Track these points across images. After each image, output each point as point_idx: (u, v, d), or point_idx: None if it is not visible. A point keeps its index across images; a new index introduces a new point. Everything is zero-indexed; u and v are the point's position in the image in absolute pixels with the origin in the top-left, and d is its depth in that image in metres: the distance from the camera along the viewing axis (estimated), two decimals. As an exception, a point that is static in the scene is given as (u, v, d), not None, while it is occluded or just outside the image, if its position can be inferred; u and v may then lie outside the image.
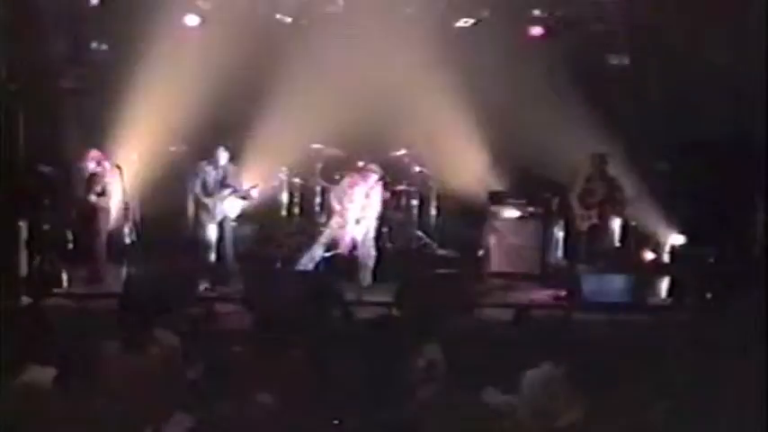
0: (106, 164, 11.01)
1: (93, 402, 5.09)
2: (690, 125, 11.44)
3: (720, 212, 10.97)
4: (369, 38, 12.00)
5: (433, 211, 12.43)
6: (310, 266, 10.79)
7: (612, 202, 10.90)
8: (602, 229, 10.91)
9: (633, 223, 11.51)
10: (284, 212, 12.24)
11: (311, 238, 11.94)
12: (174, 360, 5.77)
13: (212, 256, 10.86)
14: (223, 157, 10.89)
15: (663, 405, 4.97)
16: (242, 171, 11.23)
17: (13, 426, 4.71)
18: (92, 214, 10.74)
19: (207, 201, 10.83)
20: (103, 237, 10.84)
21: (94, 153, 11.00)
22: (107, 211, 10.89)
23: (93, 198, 10.70)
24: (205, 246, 10.82)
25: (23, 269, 10.30)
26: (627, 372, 5.17)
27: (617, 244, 11.18)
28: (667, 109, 11.71)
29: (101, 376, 5.37)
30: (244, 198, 10.92)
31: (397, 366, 5.26)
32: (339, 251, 10.91)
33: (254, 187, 10.98)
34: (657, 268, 11.22)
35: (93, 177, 10.83)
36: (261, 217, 11.97)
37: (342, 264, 11.02)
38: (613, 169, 11.08)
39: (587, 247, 10.91)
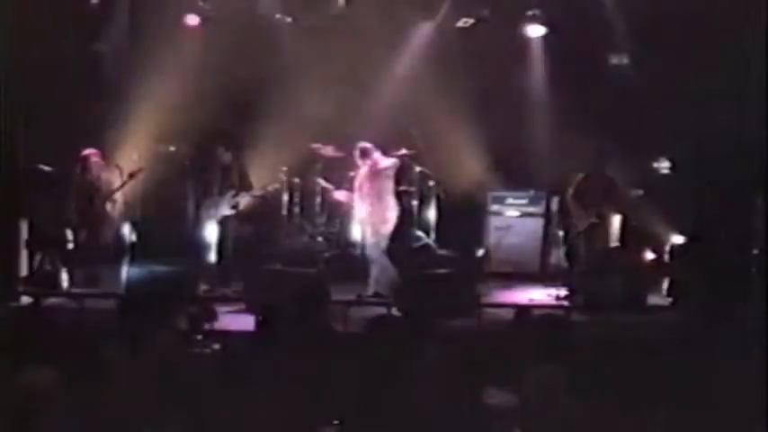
0: (99, 160, 11.01)
1: (94, 402, 5.09)
2: (690, 125, 11.43)
3: (720, 212, 10.95)
4: (369, 38, 12.00)
5: (433, 211, 12.42)
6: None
7: (610, 200, 10.89)
8: (601, 228, 10.88)
9: (633, 223, 11.50)
10: (284, 212, 12.24)
11: (312, 237, 11.98)
12: (174, 360, 5.77)
13: (212, 256, 10.86)
14: (225, 156, 10.89)
15: (663, 405, 4.97)
16: (244, 171, 11.22)
17: (13, 426, 4.71)
18: (93, 214, 10.74)
19: (207, 201, 10.84)
20: (104, 237, 10.84)
21: (95, 152, 11.00)
22: (108, 210, 10.89)
23: (94, 198, 10.71)
24: (205, 246, 10.82)
25: (23, 269, 10.30)
26: (627, 372, 5.17)
27: (616, 243, 11.15)
28: (667, 109, 11.70)
29: (101, 376, 5.37)
30: (246, 200, 10.93)
31: (396, 366, 5.26)
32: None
33: (254, 193, 10.99)
34: (657, 268, 11.21)
35: (94, 177, 10.83)
36: (261, 217, 11.96)
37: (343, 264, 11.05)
38: (610, 167, 11.06)
39: (586, 246, 10.89)
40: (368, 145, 10.72)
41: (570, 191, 10.93)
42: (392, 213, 10.67)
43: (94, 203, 10.79)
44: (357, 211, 10.84)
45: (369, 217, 10.61)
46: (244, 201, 10.87)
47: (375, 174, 10.60)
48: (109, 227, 10.96)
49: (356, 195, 10.76)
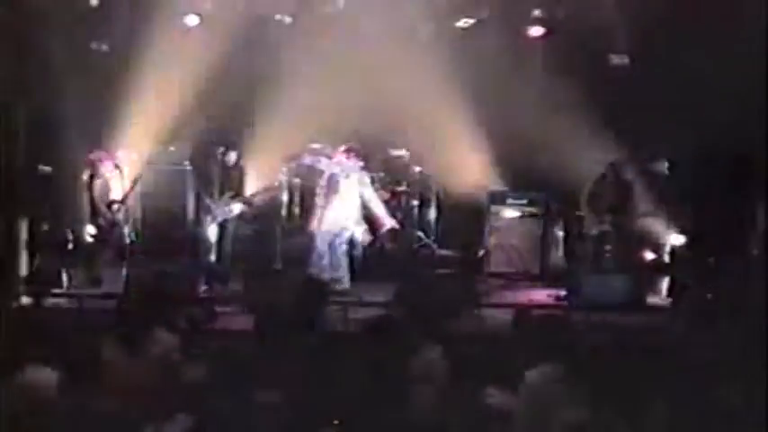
0: (108, 163, 11.01)
1: (94, 402, 5.09)
2: (690, 125, 11.43)
3: (720, 212, 10.96)
4: (369, 38, 12.00)
5: (433, 211, 12.42)
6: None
7: (624, 208, 10.82)
8: (612, 236, 10.83)
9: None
10: (284, 212, 12.23)
11: (311, 238, 11.97)
12: (174, 360, 5.76)
13: (212, 256, 10.86)
14: (224, 157, 10.90)
15: (663, 405, 4.96)
16: (244, 172, 11.23)
17: (13, 426, 4.71)
18: (104, 215, 10.74)
19: (208, 201, 10.85)
20: (114, 237, 10.84)
21: (98, 153, 11.00)
22: (114, 210, 10.89)
23: (97, 199, 10.72)
24: (205, 246, 10.82)
25: (23, 269, 10.30)
26: (627, 372, 5.16)
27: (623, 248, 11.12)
28: (667, 109, 11.70)
29: (101, 376, 5.37)
30: (246, 204, 10.94)
31: (396, 366, 5.25)
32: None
33: (255, 195, 11.04)
34: (657, 268, 11.21)
35: (97, 178, 10.83)
36: (261, 217, 11.95)
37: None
38: (629, 175, 10.99)
39: (592, 251, 10.86)
40: (356, 146, 10.73)
41: (585, 192, 10.87)
42: (352, 224, 10.65)
43: (105, 204, 10.78)
44: (320, 209, 10.79)
45: (329, 216, 10.60)
46: (238, 206, 10.89)
47: (347, 176, 10.62)
48: (116, 227, 10.95)
49: (322, 192, 10.75)
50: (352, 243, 11.05)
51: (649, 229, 11.31)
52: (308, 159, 11.18)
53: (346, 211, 10.67)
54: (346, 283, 10.56)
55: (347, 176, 10.69)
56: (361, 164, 10.84)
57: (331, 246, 10.61)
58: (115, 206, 10.68)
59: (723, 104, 10.84)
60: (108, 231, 10.72)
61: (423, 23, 12.65)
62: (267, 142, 11.97)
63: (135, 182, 10.83)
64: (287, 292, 7.86)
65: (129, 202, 11.31)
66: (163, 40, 11.85)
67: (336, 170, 10.74)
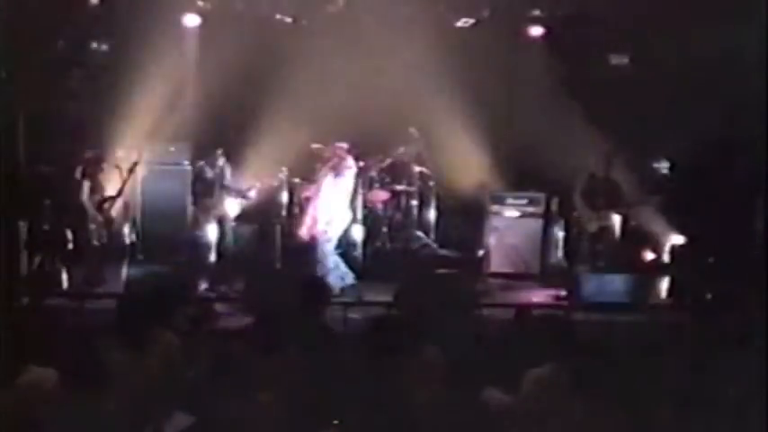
0: (104, 162, 11.01)
1: (94, 403, 5.09)
2: (690, 125, 11.44)
3: (720, 212, 10.96)
4: (369, 38, 12.01)
5: (433, 211, 12.43)
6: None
7: (617, 202, 10.85)
8: (609, 233, 10.86)
9: (633, 223, 11.50)
10: (284, 212, 12.23)
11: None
12: (174, 360, 5.76)
13: (212, 256, 10.87)
14: (221, 157, 10.92)
15: (662, 405, 4.97)
16: (241, 171, 11.25)
17: (13, 426, 4.71)
18: (99, 214, 10.73)
19: (206, 201, 10.86)
20: (104, 237, 10.84)
21: (101, 153, 10.99)
22: (111, 210, 10.89)
23: (96, 199, 10.72)
24: (205, 246, 10.82)
25: (23, 269, 10.30)
26: (627, 372, 5.17)
27: (617, 243, 11.16)
28: (667, 109, 11.71)
29: (101, 376, 5.36)
30: (243, 197, 10.96)
31: (396, 366, 5.26)
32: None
33: (249, 189, 11.05)
34: (657, 268, 11.21)
35: (101, 177, 10.84)
36: (261, 217, 11.96)
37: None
38: (617, 169, 11.03)
39: (592, 248, 10.87)
40: (344, 145, 10.68)
41: (578, 189, 10.90)
42: (346, 217, 10.61)
43: (100, 204, 10.78)
44: (316, 209, 10.72)
45: (323, 216, 10.55)
46: (236, 205, 10.90)
47: (336, 175, 10.57)
48: (112, 227, 10.95)
49: (316, 193, 10.68)
50: (350, 243, 11.04)
51: (647, 224, 11.33)
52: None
53: (340, 210, 10.60)
54: (351, 279, 10.49)
55: (340, 176, 10.61)
56: (357, 162, 10.79)
57: (327, 246, 10.56)
58: (106, 204, 10.69)
59: (723, 104, 10.85)
60: (104, 230, 10.72)
61: (423, 23, 12.65)
62: (267, 141, 11.98)
63: (129, 173, 10.82)
64: (287, 292, 7.87)
65: (130, 202, 11.37)
66: (163, 40, 11.86)
67: (330, 169, 10.67)
